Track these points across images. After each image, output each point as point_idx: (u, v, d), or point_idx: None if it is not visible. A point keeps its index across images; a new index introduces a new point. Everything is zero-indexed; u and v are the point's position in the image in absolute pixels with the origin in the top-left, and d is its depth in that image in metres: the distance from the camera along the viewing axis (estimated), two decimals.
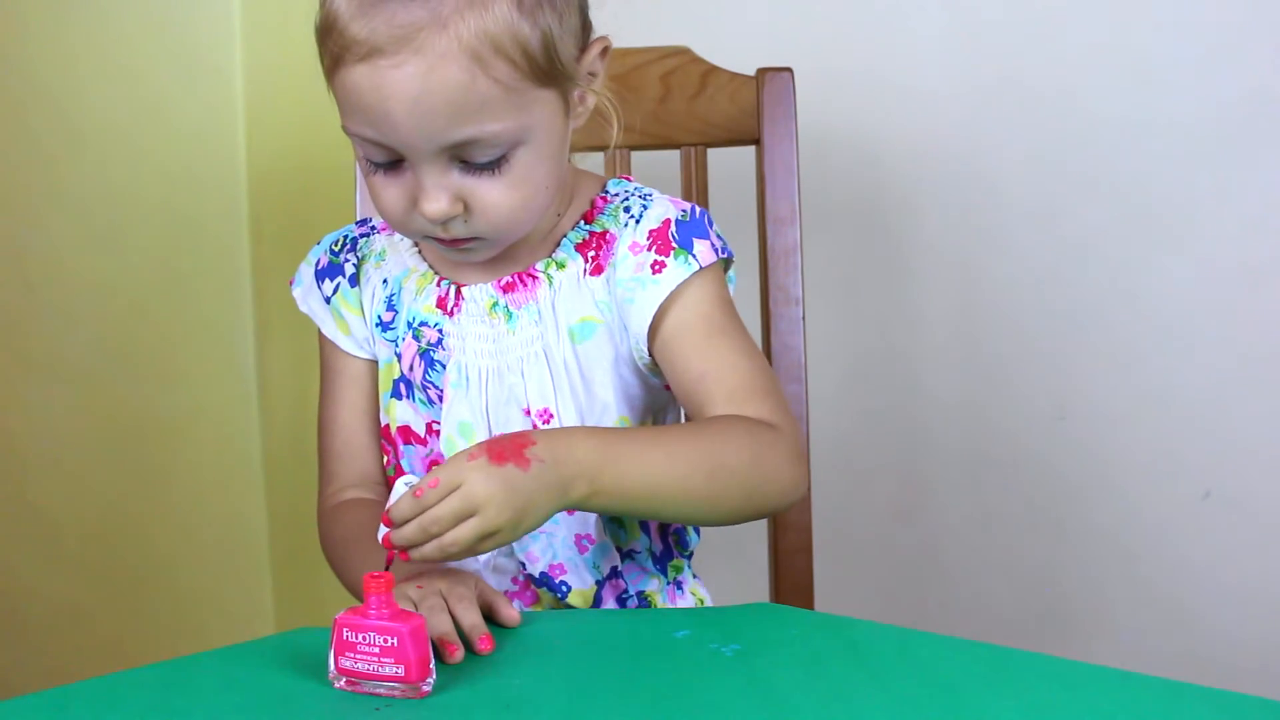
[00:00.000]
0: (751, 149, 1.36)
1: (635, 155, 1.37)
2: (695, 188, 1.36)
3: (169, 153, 1.58)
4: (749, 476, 1.01)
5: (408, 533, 0.89)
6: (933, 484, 1.71)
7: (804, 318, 1.33)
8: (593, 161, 1.24)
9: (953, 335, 1.68)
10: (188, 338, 1.61)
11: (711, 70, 1.36)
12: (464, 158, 0.98)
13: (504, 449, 0.91)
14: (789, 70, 1.35)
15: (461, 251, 1.05)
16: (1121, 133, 1.60)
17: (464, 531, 0.89)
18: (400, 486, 0.91)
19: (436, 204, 0.98)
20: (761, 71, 1.35)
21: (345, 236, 1.18)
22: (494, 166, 0.99)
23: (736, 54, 1.38)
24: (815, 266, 1.55)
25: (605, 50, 1.05)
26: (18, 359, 1.67)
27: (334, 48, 0.96)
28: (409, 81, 0.93)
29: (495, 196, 1.00)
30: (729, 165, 1.44)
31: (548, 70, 0.98)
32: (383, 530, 0.91)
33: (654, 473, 0.97)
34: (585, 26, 1.04)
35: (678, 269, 1.06)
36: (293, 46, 1.44)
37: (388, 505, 0.91)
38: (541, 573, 1.10)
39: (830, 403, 1.65)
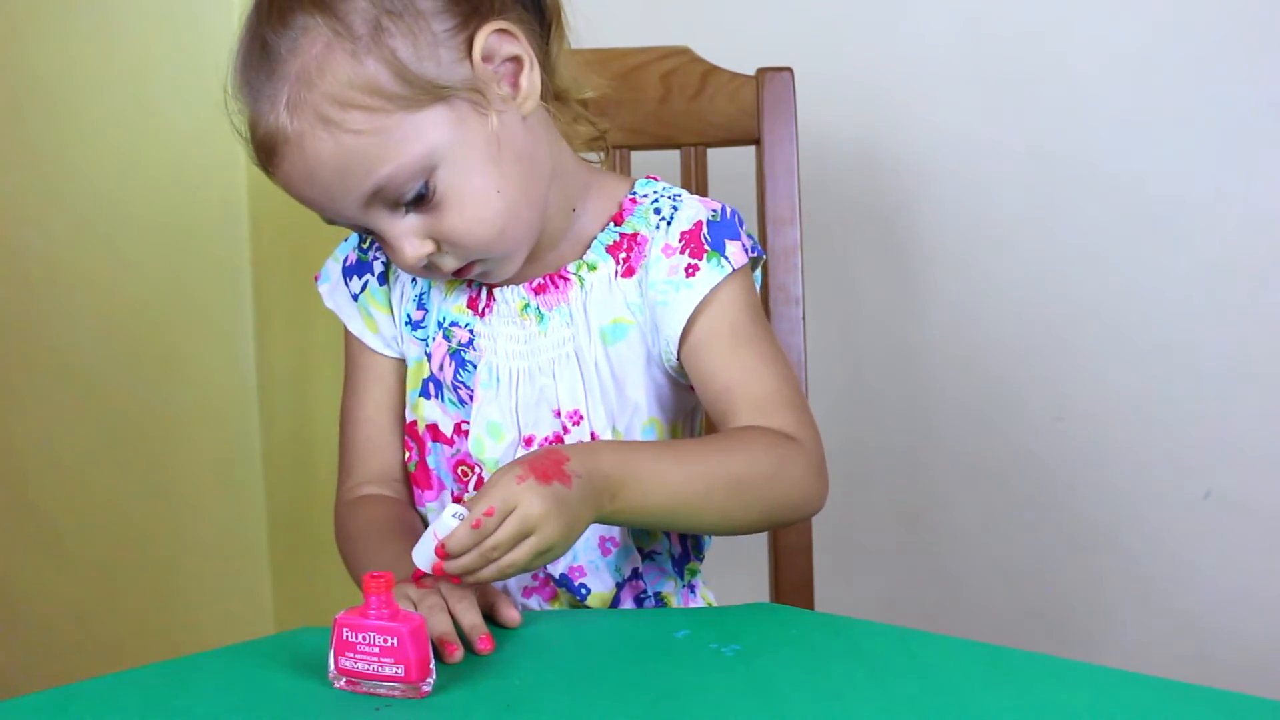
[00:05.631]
0: (751, 149, 1.36)
1: (635, 155, 1.37)
2: (695, 188, 1.36)
3: (169, 153, 1.58)
4: (767, 492, 1.02)
5: (465, 561, 0.90)
6: (933, 483, 1.71)
7: (804, 318, 1.33)
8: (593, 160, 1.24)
9: (953, 335, 1.68)
10: (188, 338, 1.61)
11: (711, 70, 1.36)
12: (396, 202, 0.99)
13: (546, 467, 0.91)
14: (789, 70, 1.35)
15: (478, 278, 1.07)
16: (1121, 133, 1.60)
17: (521, 552, 0.90)
18: (450, 519, 0.90)
19: (403, 253, 1.01)
20: (761, 71, 1.35)
21: None
22: (425, 199, 1.00)
23: (736, 54, 1.38)
24: (815, 266, 1.55)
25: (502, 32, 1.01)
26: (18, 359, 1.67)
27: (258, 165, 1.02)
28: (296, 168, 0.98)
29: (450, 223, 1.00)
30: (729, 165, 1.44)
31: (410, 95, 0.97)
32: (429, 559, 0.91)
33: (673, 490, 0.98)
34: (468, 19, 1.01)
35: (711, 272, 1.06)
36: None
37: (436, 536, 0.90)
38: (562, 574, 1.11)
39: (831, 402, 1.64)
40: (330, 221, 1.03)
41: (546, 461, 0.92)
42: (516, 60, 1.03)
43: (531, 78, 1.03)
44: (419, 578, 0.94)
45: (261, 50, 0.98)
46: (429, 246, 1.01)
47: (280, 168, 0.99)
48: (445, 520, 0.90)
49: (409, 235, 1.01)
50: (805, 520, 1.09)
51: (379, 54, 0.97)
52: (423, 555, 0.91)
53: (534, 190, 1.05)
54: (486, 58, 1.01)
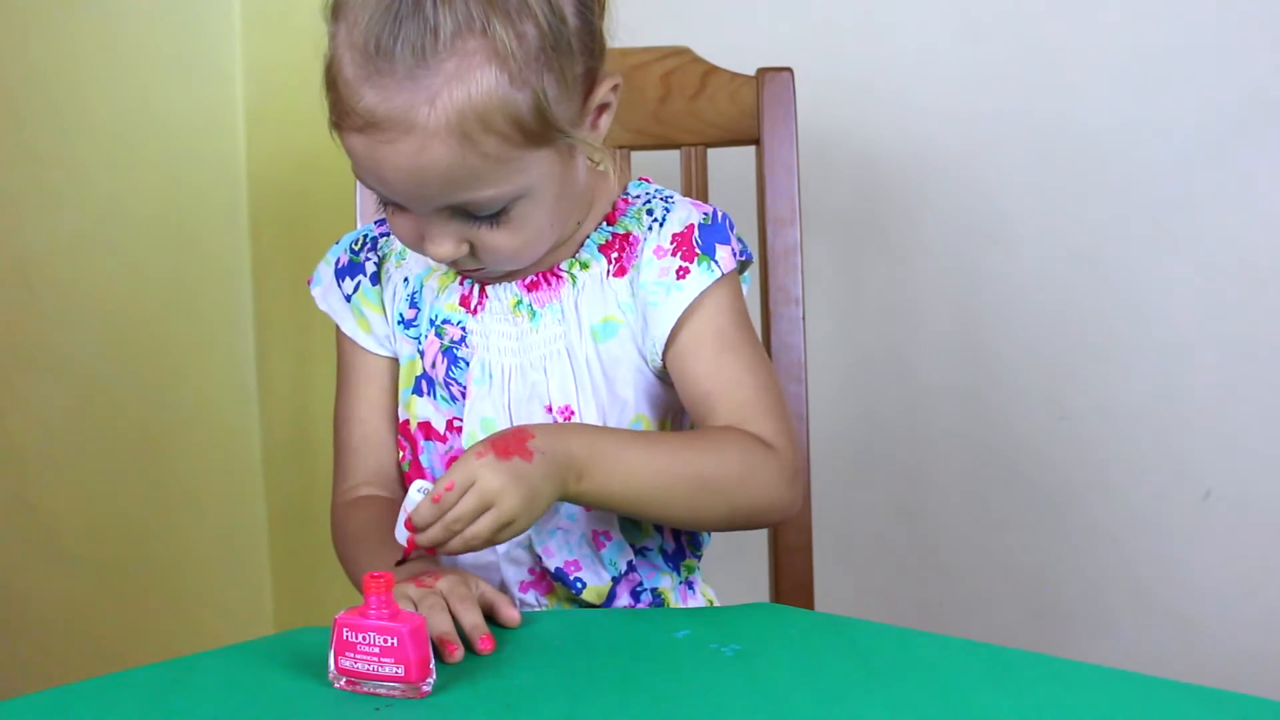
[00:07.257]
0: (751, 149, 1.36)
1: (635, 155, 1.37)
2: (695, 188, 1.36)
3: (169, 153, 1.58)
4: (734, 494, 1.04)
5: (432, 534, 0.95)
6: (933, 484, 1.71)
7: (804, 318, 1.33)
8: None
9: (953, 335, 1.68)
10: (188, 338, 1.61)
11: (711, 70, 1.36)
12: (465, 211, 1.00)
13: (508, 444, 0.95)
14: (789, 70, 1.35)
15: (476, 276, 1.09)
16: (1121, 133, 1.60)
17: (483, 524, 0.94)
18: (415, 494, 0.95)
19: (440, 249, 1.01)
20: (761, 71, 1.35)
21: (365, 236, 1.19)
22: (495, 218, 1.00)
23: (736, 54, 1.38)
24: (815, 266, 1.55)
25: (615, 87, 1.04)
26: (18, 359, 1.67)
27: (334, 110, 0.98)
28: (401, 157, 0.95)
29: (499, 242, 1.02)
30: (729, 165, 1.44)
31: (541, 133, 0.97)
32: (405, 534, 0.96)
33: (639, 479, 1.01)
34: (594, 63, 1.02)
35: (701, 276, 1.07)
36: (293, 46, 1.44)
37: (406, 511, 0.95)
38: (557, 568, 1.11)
39: (830, 402, 1.65)
40: (369, 187, 1.01)
41: (509, 439, 0.96)
42: (606, 106, 1.04)
43: (608, 120, 1.04)
44: (408, 553, 0.98)
45: (415, 10, 0.93)
46: (464, 249, 1.02)
47: (379, 145, 0.95)
48: (411, 495, 0.94)
49: (453, 236, 1.01)
50: (776, 523, 1.10)
51: (535, 85, 0.96)
52: (400, 532, 0.96)
53: (570, 218, 1.08)
54: (604, 100, 1.02)
